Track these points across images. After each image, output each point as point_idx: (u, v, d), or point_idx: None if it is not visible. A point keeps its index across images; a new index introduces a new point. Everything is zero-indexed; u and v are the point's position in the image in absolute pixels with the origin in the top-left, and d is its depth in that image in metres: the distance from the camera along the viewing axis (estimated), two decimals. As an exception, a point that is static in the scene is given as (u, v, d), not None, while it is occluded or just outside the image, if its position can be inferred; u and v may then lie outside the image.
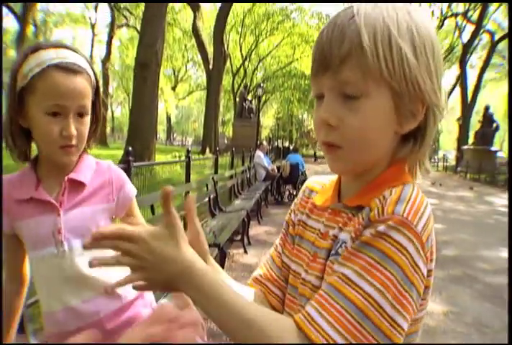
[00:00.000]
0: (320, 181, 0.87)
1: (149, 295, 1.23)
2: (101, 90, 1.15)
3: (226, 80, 34.35)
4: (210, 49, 25.71)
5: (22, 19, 26.26)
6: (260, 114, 28.36)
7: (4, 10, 35.36)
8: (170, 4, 17.06)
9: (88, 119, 1.08)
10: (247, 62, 38.63)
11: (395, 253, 0.57)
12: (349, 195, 0.74)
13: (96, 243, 0.59)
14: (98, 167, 1.18)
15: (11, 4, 28.79)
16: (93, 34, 45.22)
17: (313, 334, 0.57)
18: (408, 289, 0.57)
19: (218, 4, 26.04)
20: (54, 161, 1.09)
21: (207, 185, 5.93)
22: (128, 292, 1.14)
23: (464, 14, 32.38)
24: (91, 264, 0.60)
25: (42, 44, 1.05)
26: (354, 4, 0.66)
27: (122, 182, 1.20)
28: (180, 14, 35.57)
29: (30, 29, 29.14)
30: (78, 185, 1.11)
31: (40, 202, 1.07)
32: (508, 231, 5.49)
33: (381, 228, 0.59)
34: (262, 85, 24.47)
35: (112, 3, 32.04)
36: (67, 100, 1.01)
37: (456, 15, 33.83)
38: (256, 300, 0.84)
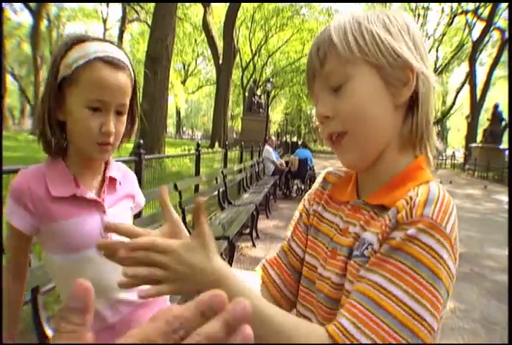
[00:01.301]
0: (337, 173, 0.87)
1: None
2: (137, 89, 1.11)
3: (236, 74, 34.29)
4: (220, 44, 25.69)
5: (36, 14, 26.41)
6: (269, 109, 28.33)
7: (19, 5, 35.62)
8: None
9: (125, 117, 1.05)
10: (256, 58, 38.53)
11: (426, 257, 0.57)
12: (367, 190, 0.74)
13: (130, 253, 0.57)
14: (120, 168, 1.18)
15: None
16: (105, 29, 45.34)
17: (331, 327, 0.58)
18: (441, 292, 0.57)
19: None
20: (89, 157, 1.04)
21: (216, 179, 5.97)
22: None
23: (475, 12, 32.03)
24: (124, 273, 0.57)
25: (86, 37, 1.02)
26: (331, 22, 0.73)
27: (138, 187, 1.22)
28: (191, 9, 35.52)
29: (44, 24, 29.27)
30: (113, 184, 1.10)
31: (83, 200, 1.02)
32: (508, 230, 5.47)
33: (411, 231, 0.58)
34: (271, 80, 24.38)
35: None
36: (110, 95, 0.98)
37: (466, 12, 33.48)
38: (260, 287, 0.85)
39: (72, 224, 1.01)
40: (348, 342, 0.56)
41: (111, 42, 1.04)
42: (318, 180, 0.90)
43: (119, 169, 1.17)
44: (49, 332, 1.79)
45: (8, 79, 39.81)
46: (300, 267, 0.84)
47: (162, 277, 0.56)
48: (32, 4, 27.97)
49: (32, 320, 1.84)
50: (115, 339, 0.24)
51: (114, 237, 1.04)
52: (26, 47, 40.90)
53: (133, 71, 1.06)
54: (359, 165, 0.74)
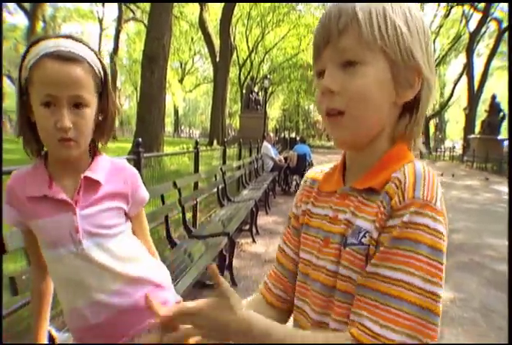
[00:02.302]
0: (320, 170, 0.89)
1: (168, 282, 1.25)
2: (109, 82, 1.10)
3: (233, 72, 34.27)
4: (216, 42, 25.65)
5: (32, 15, 26.35)
6: (267, 106, 28.31)
7: (14, 6, 35.52)
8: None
9: (89, 112, 1.02)
10: (253, 54, 38.46)
11: (426, 237, 0.61)
12: (355, 178, 0.76)
13: (168, 322, 0.68)
14: (113, 166, 1.15)
15: (21, 0, 28.90)
16: (101, 29, 45.26)
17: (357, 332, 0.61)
18: (442, 261, 0.61)
19: (224, -4, 25.92)
20: (57, 156, 1.05)
21: (215, 176, 6.00)
22: (154, 277, 1.18)
23: (471, 3, 31.94)
24: None
25: (44, 36, 1.03)
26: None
27: (137, 183, 1.19)
28: (187, 7, 35.42)
29: (39, 25, 29.20)
30: (93, 184, 1.08)
31: (55, 201, 1.04)
32: (508, 221, 5.50)
33: (406, 217, 0.62)
34: (268, 76, 24.40)
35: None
36: (58, 89, 0.97)
37: (463, 4, 33.38)
38: (253, 302, 0.91)
39: (44, 223, 1.05)
40: (376, 341, 0.59)
41: (71, 37, 1.04)
42: (304, 180, 0.92)
43: (112, 168, 1.14)
44: (53, 331, 1.82)
45: (6, 82, 39.78)
46: (293, 268, 0.86)
47: (197, 334, 0.68)
48: (27, 5, 27.89)
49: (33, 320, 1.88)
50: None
51: (86, 239, 1.06)
52: (22, 49, 40.82)
53: (101, 64, 1.06)
54: (350, 145, 0.76)
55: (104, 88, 1.08)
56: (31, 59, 0.99)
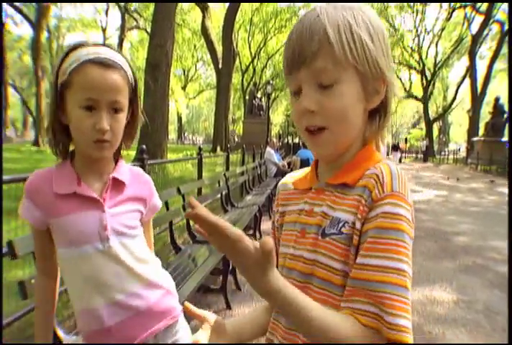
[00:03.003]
0: (292, 175, 0.96)
1: (174, 289, 1.27)
2: (138, 88, 1.16)
3: (236, 78, 34.40)
4: (219, 49, 25.78)
5: (36, 26, 26.66)
6: (270, 111, 28.38)
7: (19, 17, 35.95)
8: (179, 5, 17.18)
9: (123, 116, 1.09)
10: (255, 60, 38.63)
11: (404, 225, 0.69)
12: (328, 175, 0.81)
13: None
14: (131, 171, 1.20)
15: (26, 11, 29.32)
16: (104, 38, 45.63)
17: (398, 335, 0.65)
18: (410, 244, 0.70)
19: (227, 4, 26.13)
20: (89, 156, 1.10)
21: (219, 182, 6.05)
22: (164, 283, 1.22)
23: (473, 5, 32.00)
24: None
25: (83, 43, 1.08)
26: (317, 5, 0.77)
27: (153, 190, 1.24)
28: (189, 15, 35.70)
29: (44, 35, 29.52)
30: (119, 185, 1.13)
31: (84, 198, 1.08)
32: (508, 224, 5.52)
33: (387, 208, 0.69)
34: (271, 82, 24.48)
35: (122, 5, 32.32)
36: (99, 93, 1.03)
37: (465, 6, 33.45)
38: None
39: (72, 219, 1.07)
40: (385, 328, 0.65)
41: (108, 46, 1.11)
42: (277, 188, 0.97)
43: (132, 173, 1.20)
44: (61, 335, 1.86)
45: (10, 91, 40.14)
46: None
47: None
48: (32, 16, 28.23)
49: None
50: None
51: (112, 237, 1.09)
52: (27, 59, 41.24)
53: (132, 73, 1.12)
54: (331, 157, 0.82)
55: (134, 94, 1.14)
56: (71, 64, 1.04)
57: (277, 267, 0.87)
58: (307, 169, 0.91)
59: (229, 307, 3.56)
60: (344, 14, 0.74)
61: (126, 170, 1.18)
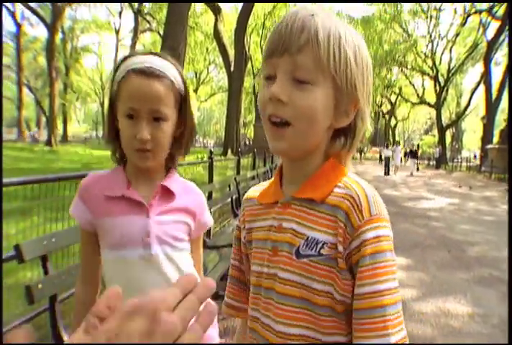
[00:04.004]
0: (255, 189, 0.93)
1: None
2: (189, 97, 1.15)
3: (248, 81, 34.47)
4: (231, 52, 25.87)
5: (51, 27, 27.01)
6: (281, 116, 28.29)
7: (35, 19, 36.49)
8: (192, 8, 17.27)
9: (167, 125, 1.07)
10: (267, 64, 38.67)
11: (389, 245, 0.71)
12: (293, 188, 0.79)
13: None
14: (184, 184, 1.20)
15: (42, 13, 29.76)
16: (118, 40, 46.10)
17: None
18: (392, 258, 0.72)
19: (239, 6, 26.21)
20: (133, 164, 1.12)
21: (229, 186, 6.00)
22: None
23: (489, 11, 31.72)
24: None
25: (134, 52, 1.10)
26: (314, 7, 0.76)
27: (204, 206, 1.22)
28: (202, 18, 35.91)
29: (58, 36, 29.90)
30: (168, 194, 1.12)
31: (131, 201, 1.08)
32: (508, 231, 5.39)
33: (373, 233, 0.70)
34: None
35: (136, 8, 32.60)
36: (139, 103, 1.03)
37: (480, 12, 33.18)
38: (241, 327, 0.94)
39: (117, 222, 1.08)
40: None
41: (157, 54, 1.11)
42: (243, 202, 0.94)
43: (184, 185, 1.19)
44: (68, 339, 1.83)
45: (25, 91, 40.65)
46: (247, 280, 0.90)
47: None
48: (48, 17, 28.60)
49: (49, 328, 1.89)
50: None
51: (155, 245, 1.07)
52: (42, 60, 41.74)
53: (183, 81, 1.11)
54: (286, 154, 0.80)
55: (183, 103, 1.13)
56: (120, 74, 1.07)
57: (250, 284, 0.86)
58: (270, 181, 0.88)
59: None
60: (337, 26, 0.74)
61: (177, 181, 1.18)
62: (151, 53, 1.10)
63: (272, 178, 0.88)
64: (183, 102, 1.12)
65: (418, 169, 25.71)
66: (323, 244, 0.72)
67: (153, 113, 1.05)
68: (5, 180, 1.97)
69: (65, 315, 2.68)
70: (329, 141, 0.79)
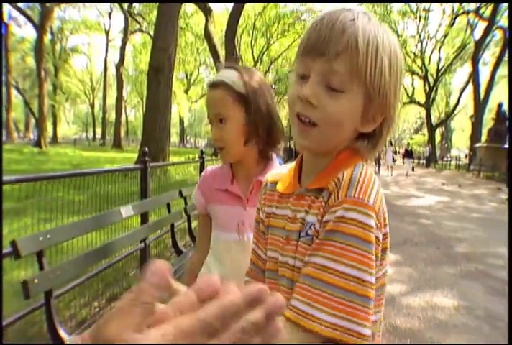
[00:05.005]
0: (277, 173, 0.96)
1: None
2: (255, 98, 1.25)
3: (238, 82, 34.44)
4: (222, 53, 25.88)
5: (40, 28, 26.80)
6: (272, 116, 28.34)
7: (23, 19, 36.17)
8: (182, 9, 17.26)
9: (229, 125, 1.24)
10: (258, 64, 38.69)
11: (356, 230, 0.67)
12: (309, 180, 0.82)
13: None
14: None
15: (30, 13, 29.51)
16: (107, 40, 45.87)
17: (311, 324, 0.65)
18: (370, 251, 0.68)
19: (230, 7, 26.23)
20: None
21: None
22: None
23: (476, 11, 32.05)
24: None
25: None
26: (354, 8, 0.76)
27: None
28: (192, 19, 35.83)
29: (47, 37, 29.67)
30: None
31: (233, 194, 1.30)
32: (508, 229, 5.50)
33: (339, 213, 0.69)
34: (273, 86, 24.58)
35: (125, 8, 32.47)
36: (209, 109, 1.27)
37: (468, 12, 33.51)
38: None
39: (221, 209, 1.32)
40: (306, 321, 0.65)
41: (230, 66, 1.32)
42: (263, 184, 0.98)
43: None
44: (63, 335, 1.87)
45: (13, 92, 40.27)
46: (262, 265, 0.92)
47: None
48: (36, 18, 28.38)
49: (44, 324, 1.93)
50: None
51: (249, 233, 1.22)
52: (30, 61, 41.39)
53: (245, 85, 1.24)
54: (311, 151, 0.83)
55: (247, 103, 1.25)
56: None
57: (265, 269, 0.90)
58: (289, 168, 0.91)
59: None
60: (376, 31, 0.74)
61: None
62: (228, 67, 1.32)
63: (291, 164, 0.91)
64: (247, 102, 1.24)
65: (413, 169, 25.33)
66: (311, 226, 0.76)
67: (217, 116, 1.25)
68: (5, 178, 2.02)
69: (60, 311, 2.72)
70: (352, 141, 0.81)
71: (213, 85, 1.25)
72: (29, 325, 2.66)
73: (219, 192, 1.31)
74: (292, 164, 0.91)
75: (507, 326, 3.40)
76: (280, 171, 0.95)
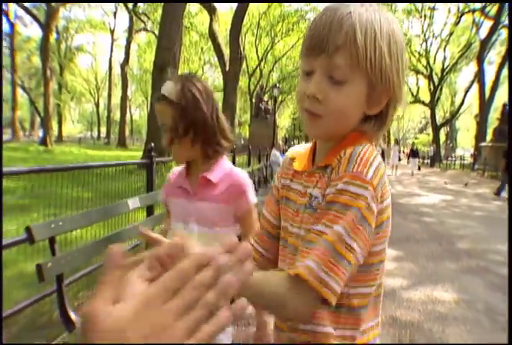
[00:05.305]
0: (297, 150, 1.03)
1: None
2: (190, 109, 1.38)
3: (243, 81, 34.53)
4: (226, 52, 25.94)
5: (46, 27, 26.96)
6: (276, 115, 28.50)
7: (29, 18, 36.36)
8: (187, 8, 17.35)
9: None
10: (262, 64, 38.79)
11: (353, 201, 0.74)
12: (320, 159, 0.90)
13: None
14: (230, 171, 1.44)
15: (36, 13, 29.70)
16: (112, 39, 46.04)
17: (299, 269, 0.72)
18: (364, 225, 0.75)
19: (234, 6, 26.30)
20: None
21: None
22: None
23: (482, 10, 31.95)
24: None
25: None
26: (350, 4, 0.79)
27: (243, 189, 1.43)
28: (197, 18, 35.94)
29: (53, 36, 29.83)
30: (209, 183, 1.39)
31: (184, 189, 1.43)
32: (508, 227, 5.53)
33: (339, 186, 0.76)
34: (278, 85, 24.60)
35: (130, 8, 32.60)
36: (158, 120, 1.42)
37: (473, 11, 33.40)
38: None
39: (174, 202, 1.47)
40: (306, 272, 0.72)
41: (171, 78, 1.47)
42: (284, 159, 1.06)
43: (226, 174, 1.43)
44: (75, 319, 1.94)
45: (19, 92, 40.51)
46: (274, 232, 1.01)
47: None
48: (42, 17, 28.56)
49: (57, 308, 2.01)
50: None
51: (192, 225, 1.37)
52: (36, 60, 41.62)
53: (179, 96, 1.37)
54: (321, 138, 0.91)
55: (183, 113, 1.38)
56: None
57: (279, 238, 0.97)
58: (307, 149, 0.98)
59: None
60: (372, 19, 0.78)
61: (221, 170, 1.43)
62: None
63: (309, 143, 0.99)
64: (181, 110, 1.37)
65: (419, 168, 25.04)
66: (315, 199, 0.84)
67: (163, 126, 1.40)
68: (5, 169, 2.09)
69: (70, 300, 2.79)
70: (359, 123, 0.86)
71: (160, 99, 1.38)
72: (38, 315, 2.74)
73: (176, 188, 1.45)
74: (309, 145, 0.99)
75: (507, 321, 3.45)
76: (300, 149, 1.02)
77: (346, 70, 0.78)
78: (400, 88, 0.83)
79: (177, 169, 1.53)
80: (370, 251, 0.80)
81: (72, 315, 1.94)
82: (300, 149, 1.02)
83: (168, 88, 1.39)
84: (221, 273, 0.35)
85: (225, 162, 1.46)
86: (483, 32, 33.75)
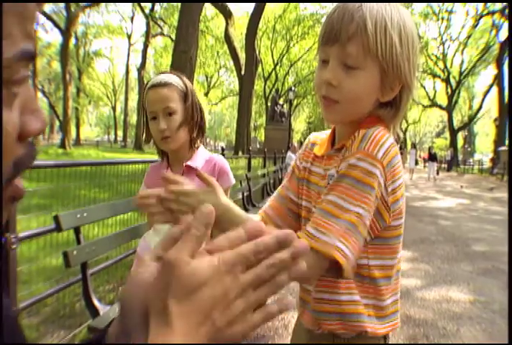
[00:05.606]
0: (318, 136, 1.09)
1: None
2: (191, 96, 1.51)
3: (258, 85, 34.75)
4: (242, 56, 26.13)
5: (65, 32, 27.53)
6: (292, 118, 28.56)
7: (49, 24, 37.08)
8: (203, 12, 17.56)
9: (177, 117, 1.45)
10: (278, 67, 38.94)
11: (363, 176, 0.82)
12: (338, 142, 0.96)
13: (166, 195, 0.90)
14: (209, 158, 1.55)
15: (56, 19, 30.37)
16: (129, 44, 46.73)
17: (316, 244, 0.79)
18: (371, 193, 0.82)
19: (250, 10, 26.51)
20: (165, 150, 1.52)
21: (241, 182, 6.20)
22: None
23: (502, 12, 31.56)
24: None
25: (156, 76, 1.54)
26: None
27: (223, 171, 1.54)
28: (213, 22, 36.29)
29: (72, 41, 30.41)
30: (193, 171, 1.43)
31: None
32: (508, 228, 5.49)
33: (351, 161, 0.83)
34: (293, 89, 24.68)
35: (147, 13, 33.08)
36: (154, 105, 1.44)
37: (493, 13, 33.01)
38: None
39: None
40: (309, 239, 0.80)
41: (165, 72, 1.56)
42: (306, 142, 1.11)
43: (211, 161, 1.54)
44: (98, 306, 2.03)
45: (39, 96, 41.33)
46: (295, 209, 1.06)
47: (186, 213, 0.78)
48: (61, 23, 29.17)
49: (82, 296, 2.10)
50: None
51: None
52: (55, 65, 42.41)
53: (185, 86, 1.50)
54: (337, 123, 0.98)
55: (187, 99, 1.50)
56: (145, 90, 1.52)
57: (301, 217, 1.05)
58: (327, 134, 1.04)
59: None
60: (383, 11, 0.85)
61: (201, 157, 1.54)
62: (163, 72, 1.54)
63: (329, 131, 1.04)
64: (186, 98, 1.48)
65: (438, 172, 23.58)
66: (331, 177, 0.90)
67: (166, 110, 1.44)
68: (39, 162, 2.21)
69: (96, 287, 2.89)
70: (375, 109, 0.92)
71: (162, 85, 1.44)
72: (61, 306, 2.84)
73: (159, 181, 1.47)
74: (329, 131, 1.05)
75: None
76: (321, 135, 1.08)
77: (358, 58, 0.85)
78: (412, 74, 0.89)
79: (155, 164, 1.61)
80: (389, 225, 0.88)
81: (97, 303, 2.03)
82: (322, 135, 1.08)
83: (166, 76, 1.48)
84: (298, 257, 0.35)
85: (204, 151, 1.56)
86: (503, 35, 33.42)
